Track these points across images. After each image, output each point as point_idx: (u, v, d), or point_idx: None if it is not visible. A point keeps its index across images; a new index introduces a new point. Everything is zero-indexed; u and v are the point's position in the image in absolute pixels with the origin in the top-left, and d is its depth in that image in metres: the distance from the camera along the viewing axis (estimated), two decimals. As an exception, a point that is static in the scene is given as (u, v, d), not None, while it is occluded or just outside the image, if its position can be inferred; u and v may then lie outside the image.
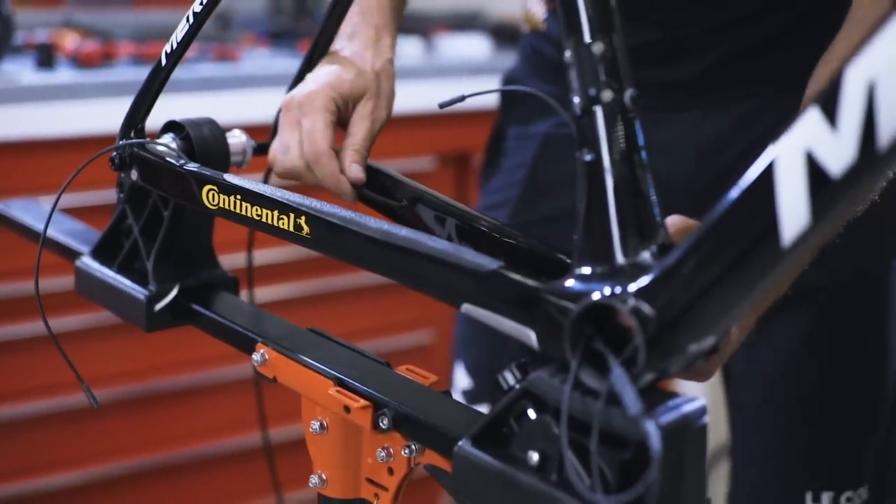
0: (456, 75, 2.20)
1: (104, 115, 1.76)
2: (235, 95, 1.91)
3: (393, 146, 1.98)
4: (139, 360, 1.93)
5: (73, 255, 1.11)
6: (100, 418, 1.90)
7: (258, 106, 1.57)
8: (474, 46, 2.37)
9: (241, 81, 1.93)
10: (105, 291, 1.05)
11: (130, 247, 1.05)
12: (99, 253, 1.08)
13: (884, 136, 0.62)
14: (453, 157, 2.25)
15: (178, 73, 1.87)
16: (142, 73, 1.85)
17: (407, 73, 2.15)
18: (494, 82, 2.18)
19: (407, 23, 2.48)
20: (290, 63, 2.09)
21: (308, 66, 1.09)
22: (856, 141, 0.62)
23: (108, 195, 1.66)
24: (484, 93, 0.82)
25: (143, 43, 2.02)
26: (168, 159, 0.97)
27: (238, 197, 0.90)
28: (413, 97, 2.12)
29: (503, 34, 2.53)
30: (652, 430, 0.66)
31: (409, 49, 2.28)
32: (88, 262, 1.08)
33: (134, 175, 1.00)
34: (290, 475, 1.31)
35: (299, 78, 1.08)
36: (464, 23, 2.55)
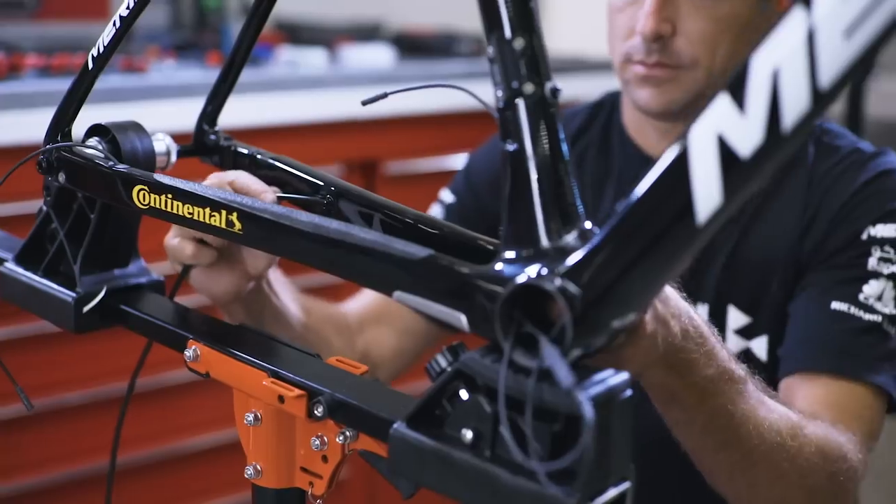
0: (361, 84, 2.24)
1: (12, 127, 1.75)
2: (146, 106, 1.92)
3: (300, 154, 2.00)
4: (106, 364, 1.96)
5: (-5, 262, 1.11)
6: (69, 420, 1.92)
7: (170, 116, 1.60)
8: (378, 56, 2.41)
9: (151, 92, 1.94)
10: (32, 296, 1.06)
11: (55, 251, 1.06)
12: (22, 259, 1.09)
13: (787, 119, 0.67)
14: (361, 164, 2.28)
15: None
16: (49, 85, 1.88)
17: (313, 82, 2.19)
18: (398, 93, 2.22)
19: (310, 34, 2.54)
20: (197, 74, 2.12)
21: (225, 78, 1.12)
22: (762, 124, 0.68)
23: (24, 206, 1.67)
24: (406, 90, 0.86)
25: (51, 55, 2.01)
26: (97, 161, 0.98)
27: (169, 196, 0.92)
28: (319, 106, 2.16)
29: (404, 44, 2.58)
30: (584, 399, 0.70)
31: (314, 59, 2.32)
32: (13, 268, 1.08)
33: (61, 178, 1.02)
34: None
35: (217, 90, 1.11)
36: (365, 33, 2.60)
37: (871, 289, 1.22)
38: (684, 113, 1.31)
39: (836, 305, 1.21)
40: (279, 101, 2.09)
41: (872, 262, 1.23)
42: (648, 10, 1.27)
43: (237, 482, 2.07)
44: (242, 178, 1.03)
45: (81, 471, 1.95)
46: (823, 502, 1.10)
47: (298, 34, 2.51)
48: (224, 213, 0.89)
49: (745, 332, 1.31)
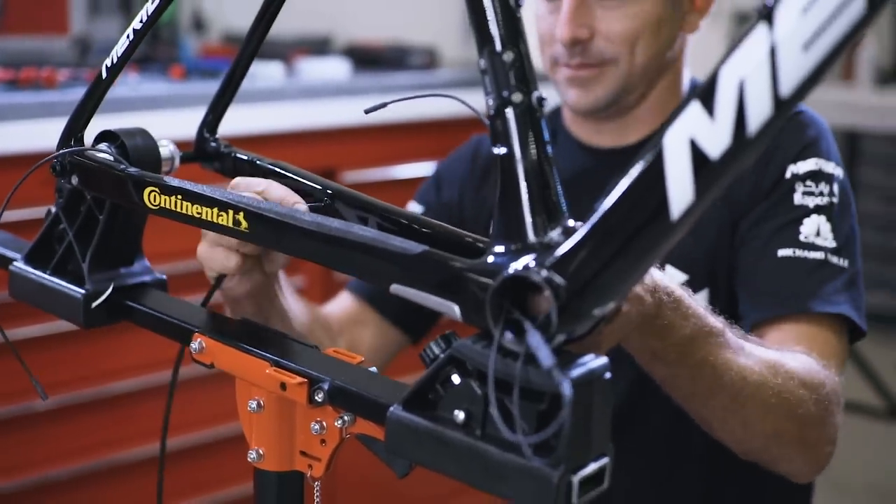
0: (318, 96, 2.33)
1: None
2: (115, 118, 1.98)
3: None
4: (79, 368, 2.02)
5: (5, 262, 1.17)
6: (42, 424, 1.98)
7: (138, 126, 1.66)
8: (333, 68, 2.49)
9: (119, 104, 2.00)
10: (42, 293, 1.12)
11: (64, 250, 1.12)
12: (32, 258, 1.15)
13: (752, 124, 0.74)
14: (319, 174, 2.34)
15: (57, 97, 1.93)
16: (17, 98, 1.92)
17: (271, 95, 2.26)
18: (356, 101, 2.30)
19: (265, 48, 2.59)
20: (160, 86, 2.19)
21: (226, 87, 1.18)
22: (730, 129, 0.75)
23: (24, 212, 1.73)
24: (404, 99, 0.93)
25: (18, 69, 2.07)
26: (109, 164, 1.05)
27: (179, 197, 0.98)
28: (278, 118, 2.24)
29: (357, 56, 2.67)
30: (562, 378, 0.77)
31: (272, 72, 2.40)
32: (23, 267, 1.14)
33: (74, 180, 1.08)
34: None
35: (219, 99, 1.18)
36: (318, 47, 2.67)
37: (807, 228, 1.29)
38: (614, 108, 1.40)
39: (781, 253, 1.29)
40: (239, 113, 2.14)
41: (798, 198, 1.31)
42: (564, 19, 1.37)
43: (243, 472, 2.16)
44: (274, 188, 1.05)
45: (82, 468, 2.03)
46: (813, 427, 1.18)
47: None
48: (231, 212, 0.95)
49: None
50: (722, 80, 0.75)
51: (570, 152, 1.47)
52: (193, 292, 1.22)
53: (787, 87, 0.73)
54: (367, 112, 0.95)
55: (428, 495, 2.57)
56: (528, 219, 0.83)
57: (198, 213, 0.97)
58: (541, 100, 0.84)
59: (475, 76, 0.86)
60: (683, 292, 1.03)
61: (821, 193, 1.31)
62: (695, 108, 0.76)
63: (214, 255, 1.08)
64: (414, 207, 1.57)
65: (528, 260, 0.82)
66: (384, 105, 0.95)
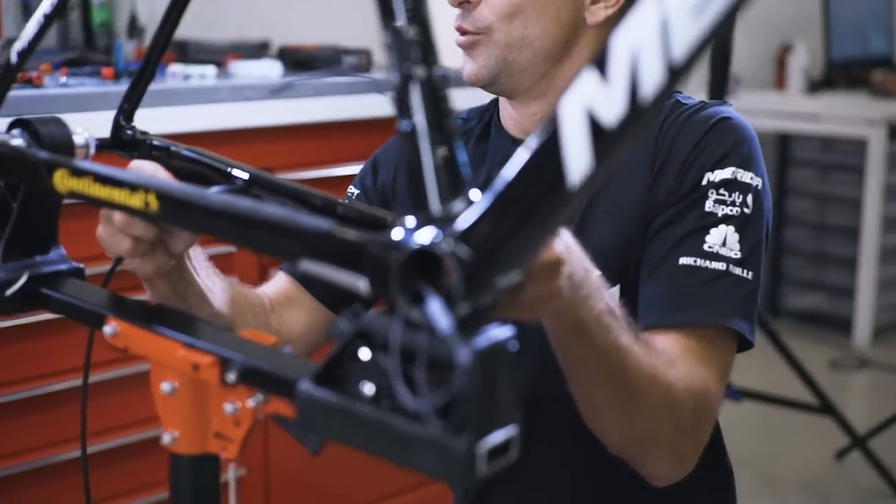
0: (251, 97, 2.33)
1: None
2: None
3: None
4: (13, 368, 2.02)
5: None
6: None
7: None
8: (267, 70, 2.49)
9: (48, 103, 2.01)
10: (-47, 282, 1.11)
11: (-25, 240, 1.11)
12: (-57, 249, 1.14)
13: (647, 91, 0.76)
14: (255, 172, 2.37)
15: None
16: None
17: (204, 95, 2.27)
18: (288, 103, 2.31)
19: (200, 53, 2.62)
20: (90, 86, 2.20)
21: (142, 75, 1.18)
22: (625, 96, 0.76)
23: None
24: (310, 78, 0.93)
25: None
26: (20, 149, 1.04)
27: (90, 178, 0.98)
28: (211, 118, 2.24)
29: (289, 58, 2.66)
30: (458, 344, 0.78)
31: (205, 74, 2.40)
32: (-67, 257, 1.13)
33: (-14, 167, 1.08)
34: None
35: (134, 87, 1.18)
36: (253, 52, 2.68)
37: (713, 237, 1.28)
38: (506, 86, 1.39)
39: (683, 261, 1.28)
40: (170, 112, 2.18)
41: (709, 205, 1.29)
42: None
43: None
44: (160, 173, 1.08)
45: (18, 468, 2.02)
46: (686, 436, 1.21)
47: (187, 53, 2.58)
48: (142, 193, 0.96)
49: None
50: (615, 49, 0.76)
51: (503, 146, 1.48)
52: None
53: (678, 52, 0.74)
54: (272, 93, 0.96)
55: (363, 500, 2.57)
56: (433, 191, 0.84)
57: (109, 195, 0.98)
58: (444, 75, 0.85)
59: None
60: (591, 266, 1.05)
61: (733, 203, 1.30)
62: (590, 77, 0.77)
63: (111, 237, 1.08)
64: (352, 191, 1.57)
65: (432, 231, 0.83)
66: (291, 85, 0.95)
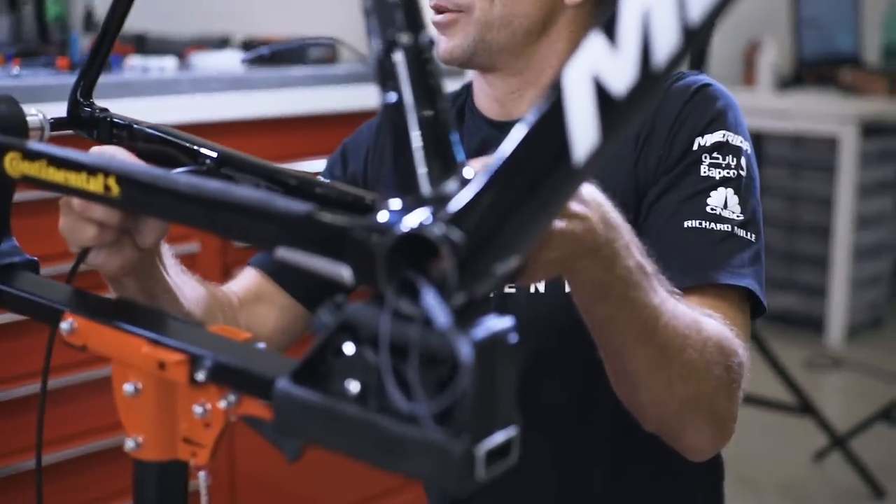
0: (212, 89, 2.26)
1: None
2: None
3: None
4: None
5: None
6: None
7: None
8: (228, 61, 2.41)
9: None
10: None
11: (-77, 232, 1.03)
12: None
13: (659, 56, 0.69)
14: (216, 165, 2.30)
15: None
16: None
17: (164, 87, 2.19)
18: (250, 95, 2.24)
19: (159, 45, 2.54)
20: (43, 77, 2.15)
21: (99, 48, 1.11)
22: (635, 62, 0.69)
23: None
24: (285, 48, 0.86)
25: None
26: (-35, 131, 0.96)
27: (43, 162, 0.90)
28: (171, 111, 2.17)
29: (252, 49, 2.57)
30: (459, 338, 0.70)
31: (165, 66, 2.33)
32: None
33: (-71, 151, 0.99)
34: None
35: (92, 60, 1.10)
36: (215, 44, 2.61)
37: (714, 200, 1.25)
38: (483, 64, 1.34)
39: (688, 224, 1.25)
40: (129, 105, 2.07)
41: (704, 170, 1.26)
42: None
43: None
44: (120, 155, 1.01)
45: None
46: (724, 395, 1.15)
47: (146, 45, 2.51)
48: (101, 177, 0.88)
49: None
50: (624, 10, 0.69)
51: (479, 129, 1.41)
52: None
53: (695, 12, 0.67)
54: (243, 62, 0.88)
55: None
56: (422, 170, 0.77)
57: (65, 179, 0.89)
58: (431, 41, 0.78)
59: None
60: (623, 222, 1.00)
61: (728, 166, 1.28)
62: (597, 42, 0.70)
63: (72, 225, 1.00)
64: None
65: (422, 214, 0.75)
66: (265, 53, 0.87)
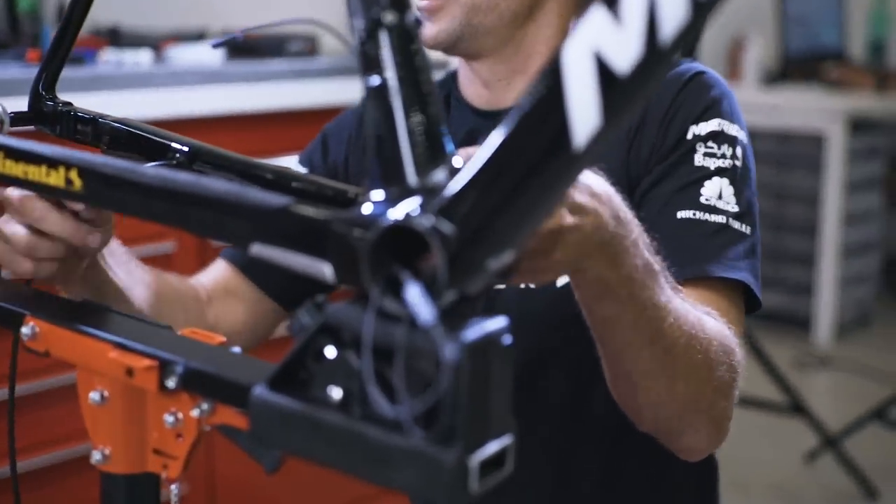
0: (189, 83, 2.20)
1: None
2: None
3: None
4: None
5: None
6: None
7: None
8: (205, 55, 2.35)
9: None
10: None
11: None
12: None
13: (667, 30, 0.63)
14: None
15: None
16: None
17: (139, 81, 2.13)
18: (228, 88, 2.19)
19: (134, 38, 2.48)
20: (16, 71, 2.09)
21: (61, 39, 1.05)
22: (641, 37, 0.64)
23: None
24: (259, 28, 0.80)
25: None
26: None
27: (0, 154, 0.84)
28: (147, 105, 2.11)
29: (231, 43, 2.51)
30: (444, 337, 0.65)
31: (140, 59, 2.27)
32: None
33: None
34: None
35: (54, 52, 1.04)
36: (191, 37, 2.55)
37: (708, 190, 1.20)
38: (470, 49, 1.29)
39: (681, 214, 1.20)
40: (103, 100, 2.02)
41: (699, 159, 1.21)
42: None
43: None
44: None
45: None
46: (724, 396, 1.10)
47: (121, 38, 2.44)
48: (63, 169, 0.81)
49: None
50: (630, -20, 0.63)
51: (465, 119, 1.36)
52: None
53: (706, -18, 0.62)
54: (214, 47, 0.82)
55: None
56: (409, 158, 0.71)
57: (24, 172, 0.83)
58: (417, 21, 0.72)
59: (356, 63, 0.74)
60: (632, 217, 0.94)
61: (723, 155, 1.23)
62: (598, 16, 0.65)
63: (5, 257, 0.97)
64: (297, 169, 1.43)
65: (409, 205, 0.70)
66: (237, 35, 0.81)
